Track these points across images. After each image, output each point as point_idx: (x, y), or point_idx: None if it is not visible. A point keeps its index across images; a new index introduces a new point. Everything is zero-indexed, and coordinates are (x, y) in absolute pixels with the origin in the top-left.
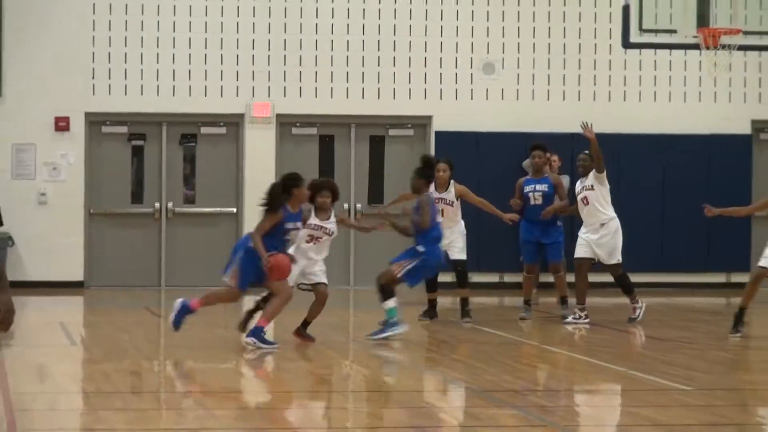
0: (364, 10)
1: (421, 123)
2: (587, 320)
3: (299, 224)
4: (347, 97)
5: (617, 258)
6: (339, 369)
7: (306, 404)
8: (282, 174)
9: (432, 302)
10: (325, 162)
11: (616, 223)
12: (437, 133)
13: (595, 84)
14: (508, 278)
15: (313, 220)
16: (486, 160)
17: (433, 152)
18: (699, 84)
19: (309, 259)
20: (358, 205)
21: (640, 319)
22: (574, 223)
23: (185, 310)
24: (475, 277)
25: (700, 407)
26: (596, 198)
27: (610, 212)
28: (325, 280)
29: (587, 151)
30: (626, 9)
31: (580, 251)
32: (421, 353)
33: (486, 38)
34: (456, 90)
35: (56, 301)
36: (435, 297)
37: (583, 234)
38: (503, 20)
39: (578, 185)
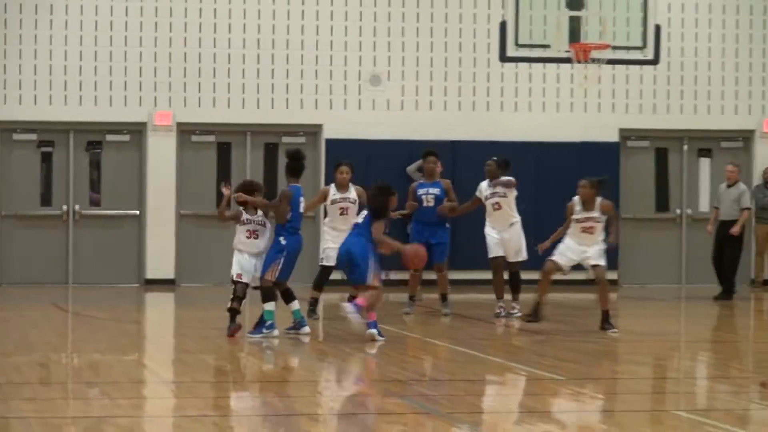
0: (259, 26)
1: (313, 131)
2: (505, 313)
3: None
4: (243, 106)
5: (523, 255)
6: (236, 361)
7: (205, 394)
8: (375, 184)
9: (315, 300)
10: (223, 168)
11: (520, 224)
12: (327, 141)
13: (474, 95)
14: (394, 276)
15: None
16: (373, 167)
17: (323, 158)
18: (571, 95)
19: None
20: None
21: (517, 316)
22: (457, 227)
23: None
24: None
25: (571, 395)
26: (508, 203)
27: (517, 215)
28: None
29: (495, 158)
30: (503, 25)
31: (496, 250)
32: (313, 345)
33: (373, 52)
34: (345, 100)
35: None
36: (318, 295)
37: (494, 234)
38: (389, 35)
39: (487, 190)
